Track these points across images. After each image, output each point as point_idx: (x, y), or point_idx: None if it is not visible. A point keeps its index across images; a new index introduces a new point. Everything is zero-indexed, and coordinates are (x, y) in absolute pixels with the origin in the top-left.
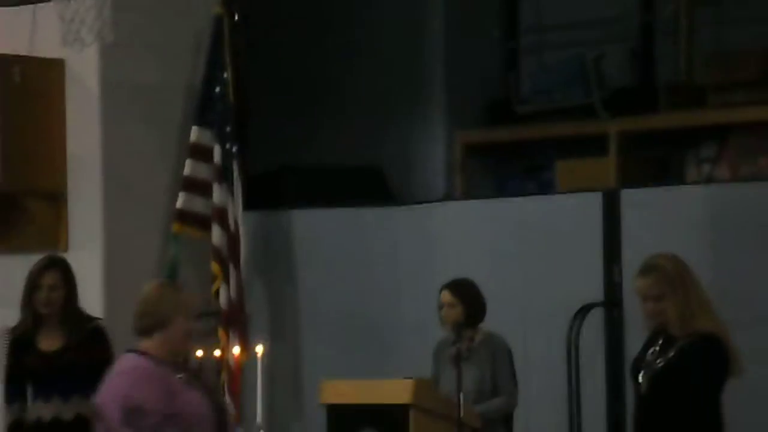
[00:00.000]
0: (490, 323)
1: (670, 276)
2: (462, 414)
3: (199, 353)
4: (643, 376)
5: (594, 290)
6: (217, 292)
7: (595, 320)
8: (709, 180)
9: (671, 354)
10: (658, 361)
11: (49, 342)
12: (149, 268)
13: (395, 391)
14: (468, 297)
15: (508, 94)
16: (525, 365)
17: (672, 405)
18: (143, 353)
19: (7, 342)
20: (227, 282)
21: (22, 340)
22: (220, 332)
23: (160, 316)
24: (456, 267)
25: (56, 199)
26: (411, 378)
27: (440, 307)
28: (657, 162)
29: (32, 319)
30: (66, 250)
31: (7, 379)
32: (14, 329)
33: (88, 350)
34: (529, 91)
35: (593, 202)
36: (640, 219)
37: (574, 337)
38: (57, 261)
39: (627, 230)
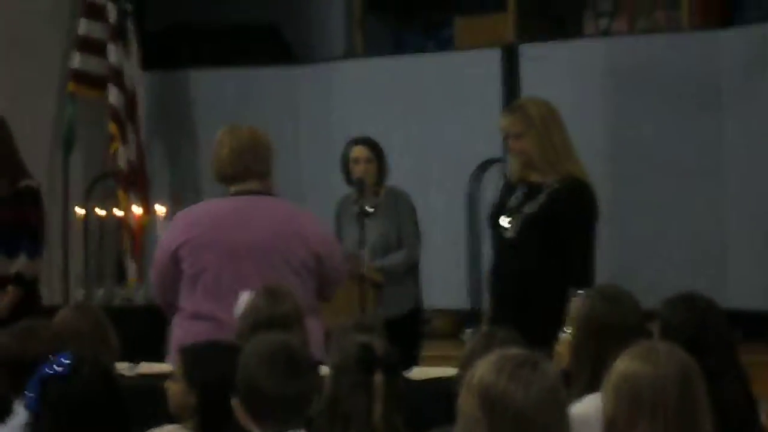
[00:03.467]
0: (392, 180)
1: (531, 115)
2: (365, 269)
3: (101, 213)
4: (510, 222)
5: (494, 146)
6: (116, 153)
7: (495, 176)
8: (606, 33)
9: (542, 199)
10: (526, 206)
11: None
12: (45, 130)
13: None
14: (381, 153)
15: None
16: (427, 220)
17: (544, 249)
18: None
19: None
20: (126, 143)
21: None
22: (120, 193)
23: None
24: (357, 125)
25: None
26: None
27: (352, 162)
28: (555, 17)
29: None
30: None
31: None
32: None
33: (17, 209)
34: None
35: (492, 58)
36: (539, 73)
37: (473, 192)
38: None
39: (526, 85)
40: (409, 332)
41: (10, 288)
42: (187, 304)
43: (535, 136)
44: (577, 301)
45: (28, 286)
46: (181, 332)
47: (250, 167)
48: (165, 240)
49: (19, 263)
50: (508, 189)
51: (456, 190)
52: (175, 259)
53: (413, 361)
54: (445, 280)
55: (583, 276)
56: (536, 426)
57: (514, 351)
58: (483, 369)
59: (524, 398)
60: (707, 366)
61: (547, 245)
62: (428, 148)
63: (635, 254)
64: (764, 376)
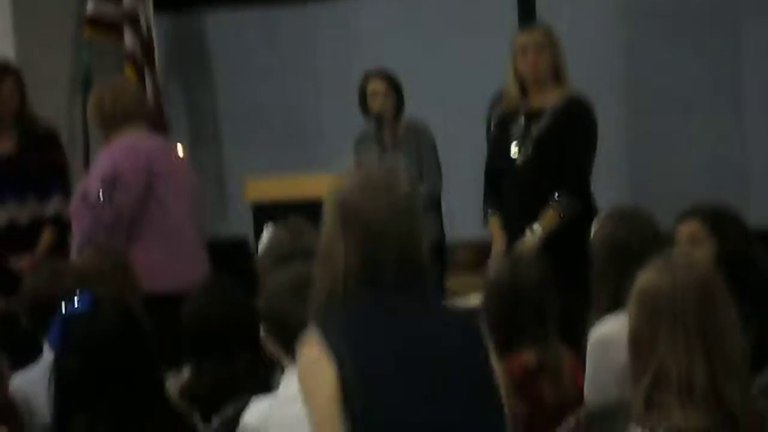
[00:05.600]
0: (411, 112)
1: (551, 34)
2: None
3: None
4: (518, 147)
5: None
6: None
7: None
8: None
9: (547, 119)
10: (532, 129)
11: (3, 146)
12: (63, 77)
13: (318, 186)
14: (399, 85)
15: None
16: (447, 151)
17: (556, 168)
18: None
19: None
20: (143, 87)
21: None
22: None
23: None
24: (375, 61)
25: None
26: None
27: (370, 96)
28: None
29: None
30: None
31: None
32: None
33: (43, 153)
34: None
35: None
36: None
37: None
38: (6, 64)
39: (542, 11)
40: (433, 264)
41: (47, 229)
42: None
43: (553, 52)
44: (596, 223)
45: (63, 226)
46: None
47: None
48: None
49: (55, 204)
50: (506, 119)
51: (476, 119)
52: None
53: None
54: (467, 212)
55: (573, 186)
56: (387, 237)
57: (375, 172)
58: (345, 183)
59: (374, 210)
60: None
61: (558, 164)
62: (446, 79)
63: (653, 184)
64: None
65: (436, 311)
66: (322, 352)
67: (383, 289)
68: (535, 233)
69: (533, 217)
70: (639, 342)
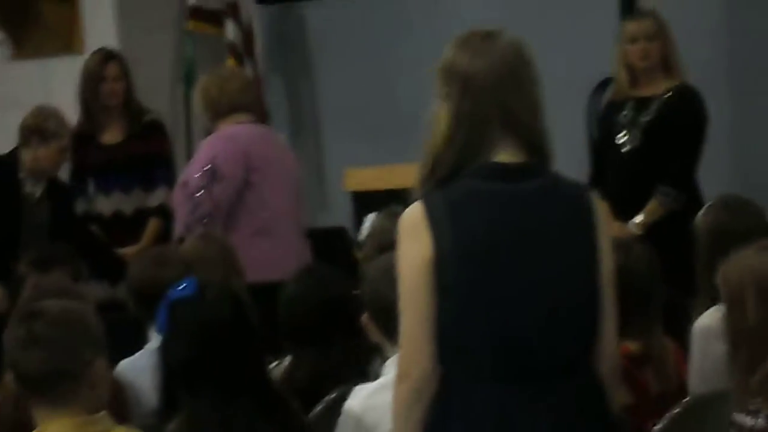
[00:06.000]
0: None
1: (662, 21)
2: None
3: None
4: (626, 136)
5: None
6: None
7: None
8: None
9: (655, 107)
10: (641, 117)
11: (110, 135)
12: (166, 68)
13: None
14: None
15: None
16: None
17: (665, 156)
18: None
19: (71, 138)
20: None
21: (84, 135)
22: None
23: None
24: None
25: (68, 0)
26: None
27: None
28: None
29: (96, 112)
30: (81, 52)
31: (71, 175)
32: (77, 125)
33: (148, 142)
34: None
35: None
36: None
37: (593, 110)
38: (115, 53)
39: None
40: None
41: (152, 221)
42: None
43: (663, 42)
44: (700, 212)
45: (168, 217)
46: None
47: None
48: None
49: (160, 195)
50: (613, 107)
51: (575, 109)
52: None
53: None
54: None
55: (680, 178)
56: (489, 92)
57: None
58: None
59: (470, 64)
60: None
61: (665, 154)
62: (544, 66)
63: (761, 174)
64: None
65: (543, 185)
66: (423, 217)
67: (487, 165)
68: (637, 224)
69: (638, 207)
70: (743, 317)
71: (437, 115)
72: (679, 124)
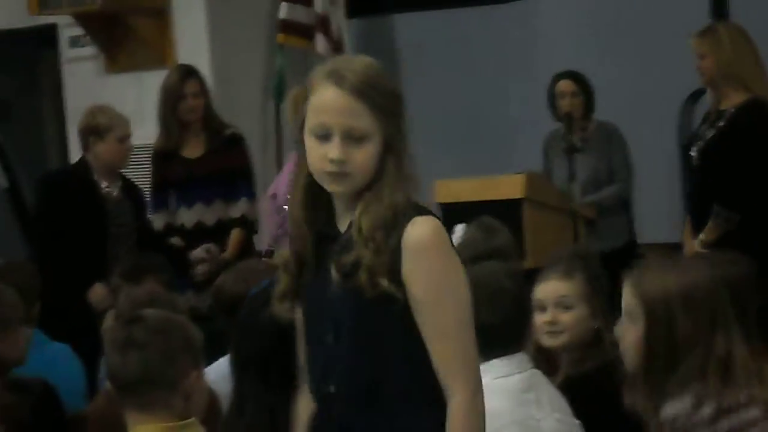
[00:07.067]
0: (601, 114)
1: (719, 38)
2: (576, 204)
3: None
4: (695, 150)
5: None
6: None
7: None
8: None
9: (721, 123)
10: (708, 132)
11: (191, 149)
12: (256, 81)
13: (508, 186)
14: (588, 86)
15: None
16: (638, 154)
17: (725, 172)
18: None
19: (152, 153)
20: None
21: (165, 151)
22: None
23: None
24: (562, 59)
25: (160, 14)
26: (523, 173)
27: (558, 96)
28: None
29: (176, 128)
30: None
31: (153, 189)
32: (157, 141)
33: (228, 156)
34: None
35: None
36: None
37: (685, 124)
38: (193, 70)
39: (735, 11)
40: (625, 265)
41: (235, 231)
42: None
43: (720, 57)
44: None
45: (250, 228)
46: None
47: None
48: None
49: (242, 207)
50: (702, 119)
51: (667, 123)
52: None
53: None
54: (659, 215)
55: (733, 198)
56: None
57: None
58: None
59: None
60: None
61: (723, 170)
62: (637, 81)
63: None
64: None
65: None
66: None
67: None
68: (699, 241)
69: (703, 223)
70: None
71: None
72: (739, 141)
